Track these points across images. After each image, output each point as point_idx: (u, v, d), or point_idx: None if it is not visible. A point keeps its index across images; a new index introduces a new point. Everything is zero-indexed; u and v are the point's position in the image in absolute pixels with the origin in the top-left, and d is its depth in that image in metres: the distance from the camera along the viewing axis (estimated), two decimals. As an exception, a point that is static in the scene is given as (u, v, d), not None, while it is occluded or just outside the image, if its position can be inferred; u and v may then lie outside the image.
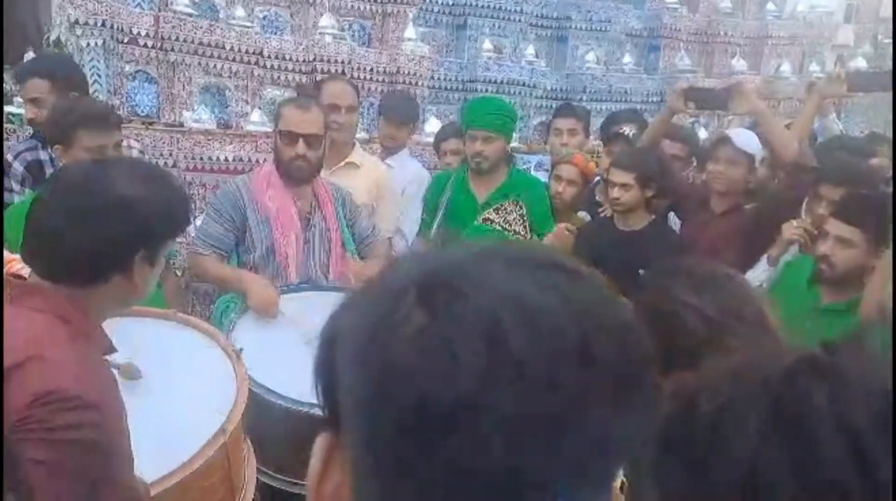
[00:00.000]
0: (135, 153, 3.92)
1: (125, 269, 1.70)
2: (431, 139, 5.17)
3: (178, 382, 2.38)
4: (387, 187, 4.14)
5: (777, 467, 0.74)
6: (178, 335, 2.59)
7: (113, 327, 2.07)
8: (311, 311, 3.20)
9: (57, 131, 3.13)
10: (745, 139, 3.77)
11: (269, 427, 2.65)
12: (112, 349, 1.80)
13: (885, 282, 2.73)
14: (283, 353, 3.00)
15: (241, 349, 2.51)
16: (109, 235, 1.67)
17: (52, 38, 5.41)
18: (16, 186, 3.69)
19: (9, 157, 3.74)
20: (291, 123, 3.37)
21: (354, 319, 0.69)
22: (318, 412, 2.36)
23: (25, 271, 1.82)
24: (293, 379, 2.82)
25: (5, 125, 4.53)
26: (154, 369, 2.36)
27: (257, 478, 2.74)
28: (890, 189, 3.47)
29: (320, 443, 0.73)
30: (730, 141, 3.76)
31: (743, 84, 3.92)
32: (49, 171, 3.54)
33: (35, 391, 1.48)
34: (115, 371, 2.14)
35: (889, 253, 2.74)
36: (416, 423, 0.61)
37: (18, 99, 4.56)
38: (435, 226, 4.15)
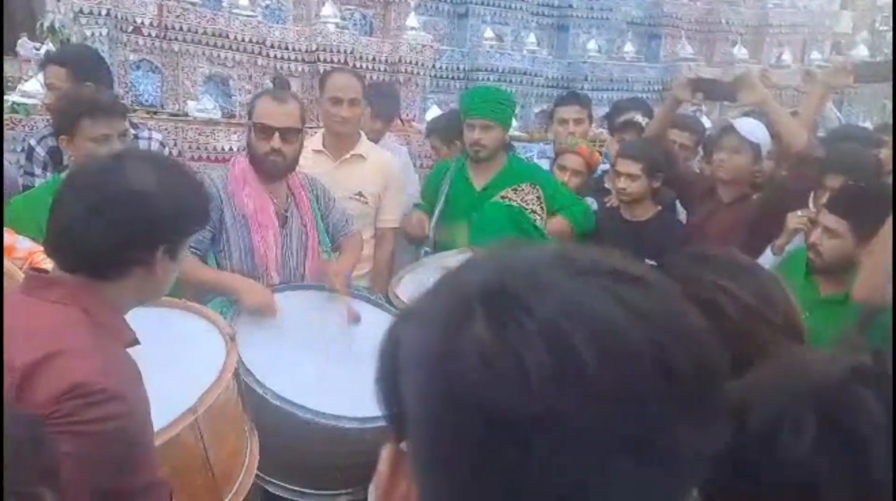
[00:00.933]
0: (154, 145, 3.93)
1: (148, 263, 1.72)
2: (432, 128, 5.21)
3: (167, 362, 2.32)
4: (393, 177, 4.13)
5: (835, 472, 0.76)
6: (178, 317, 2.58)
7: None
8: (302, 309, 3.21)
9: (62, 121, 3.12)
10: (750, 128, 3.79)
11: (270, 430, 2.61)
12: (135, 342, 1.80)
13: (877, 268, 2.75)
14: (287, 356, 2.99)
15: (236, 333, 2.50)
16: (132, 231, 1.68)
17: (47, 24, 5.40)
18: (38, 170, 3.73)
19: (32, 141, 3.81)
20: (266, 116, 3.25)
21: (417, 329, 0.68)
22: (341, 424, 2.32)
23: (48, 263, 1.83)
24: (296, 381, 2.83)
25: (12, 115, 4.53)
26: (149, 346, 2.35)
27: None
28: (889, 180, 3.49)
29: (387, 453, 0.73)
30: (733, 130, 3.78)
31: (751, 75, 3.92)
32: (66, 156, 3.48)
33: (61, 386, 1.50)
34: None
35: (885, 241, 2.75)
36: (485, 437, 0.61)
37: (25, 87, 4.57)
38: (436, 216, 4.16)
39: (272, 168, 3.29)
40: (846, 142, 4.05)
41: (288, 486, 2.81)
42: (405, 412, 0.69)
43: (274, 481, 2.79)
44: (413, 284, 3.66)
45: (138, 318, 2.38)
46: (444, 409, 0.63)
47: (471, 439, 0.62)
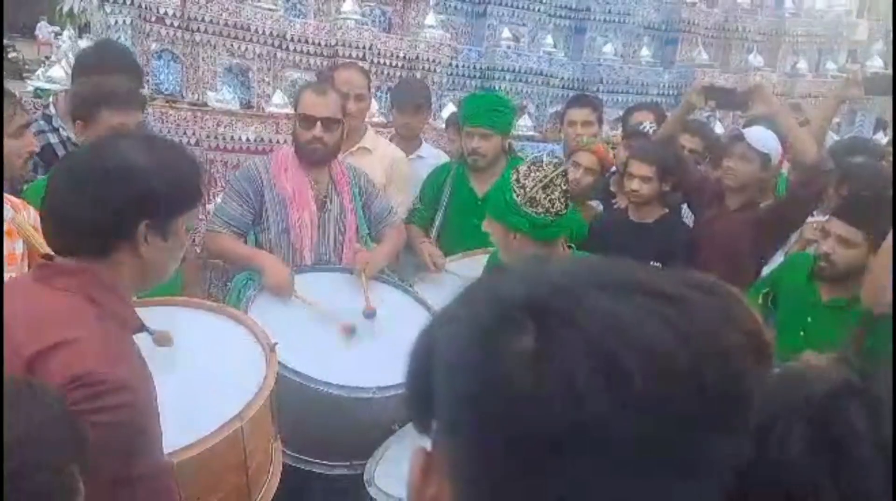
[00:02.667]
0: None
1: (130, 239, 1.68)
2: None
3: (209, 365, 2.43)
4: (399, 172, 4.21)
5: (819, 480, 0.80)
6: (217, 322, 2.66)
7: (158, 314, 2.12)
8: (325, 291, 3.33)
9: (81, 107, 3.13)
10: (760, 137, 3.82)
11: (281, 403, 2.66)
12: (142, 328, 1.81)
13: (884, 270, 2.79)
14: (297, 330, 3.09)
15: (276, 344, 2.56)
16: (108, 201, 1.65)
17: (65, 9, 5.45)
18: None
19: None
20: (309, 107, 3.48)
21: (457, 336, 0.69)
22: (331, 390, 2.41)
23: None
24: (307, 356, 2.92)
25: (35, 100, 4.60)
26: (188, 350, 2.39)
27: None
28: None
29: (418, 457, 0.74)
30: (743, 138, 3.81)
31: (763, 86, 3.95)
32: (62, 153, 3.49)
33: (66, 376, 1.49)
34: (150, 337, 2.22)
35: (888, 243, 2.79)
36: (529, 450, 0.63)
37: (50, 73, 4.63)
38: (437, 223, 4.17)
39: (314, 155, 3.50)
40: (851, 152, 4.09)
41: (289, 452, 2.88)
42: (440, 416, 0.70)
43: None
44: (432, 287, 3.73)
45: (180, 321, 2.47)
46: (487, 420, 0.64)
47: (514, 450, 0.63)
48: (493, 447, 0.64)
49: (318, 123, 3.44)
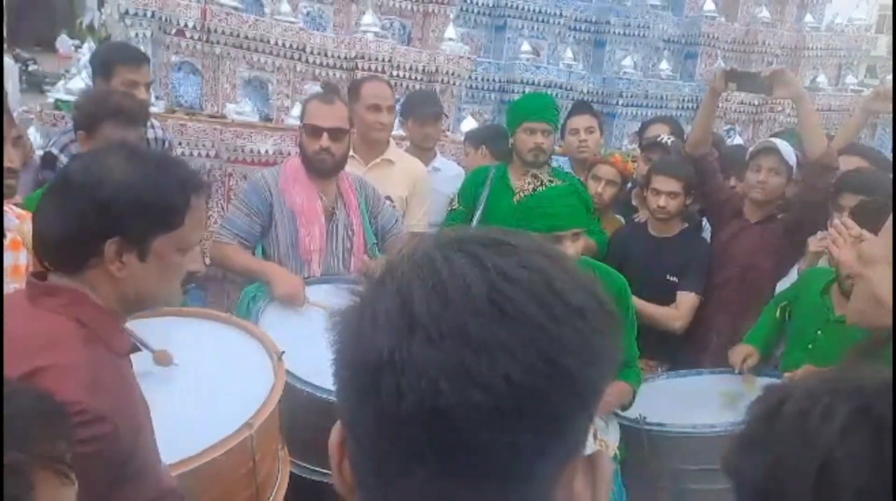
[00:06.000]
0: None
1: (98, 256, 1.61)
2: (467, 138, 5.22)
3: (216, 375, 2.43)
4: (421, 185, 4.18)
5: (854, 458, 0.80)
6: (226, 333, 2.65)
7: (165, 325, 2.09)
8: (335, 302, 3.30)
9: (84, 119, 3.14)
10: (788, 150, 3.76)
11: (293, 414, 2.64)
12: (134, 349, 1.76)
13: (867, 290, 2.72)
14: (308, 341, 3.07)
15: (283, 352, 2.53)
16: (69, 211, 1.60)
17: (86, 23, 5.45)
18: None
19: (54, 150, 3.66)
20: (315, 117, 3.45)
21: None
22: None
23: None
24: (318, 367, 2.90)
25: (55, 112, 4.60)
26: (195, 360, 2.42)
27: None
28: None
29: (333, 432, 0.80)
30: (775, 150, 3.74)
31: (786, 70, 3.88)
32: None
33: None
34: (150, 355, 2.18)
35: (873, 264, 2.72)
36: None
37: (70, 85, 4.63)
38: (475, 222, 4.11)
39: (321, 166, 3.46)
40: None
41: (301, 463, 2.83)
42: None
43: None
44: None
45: (187, 332, 2.49)
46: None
47: (344, 383, 0.73)
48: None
49: (325, 134, 3.41)
